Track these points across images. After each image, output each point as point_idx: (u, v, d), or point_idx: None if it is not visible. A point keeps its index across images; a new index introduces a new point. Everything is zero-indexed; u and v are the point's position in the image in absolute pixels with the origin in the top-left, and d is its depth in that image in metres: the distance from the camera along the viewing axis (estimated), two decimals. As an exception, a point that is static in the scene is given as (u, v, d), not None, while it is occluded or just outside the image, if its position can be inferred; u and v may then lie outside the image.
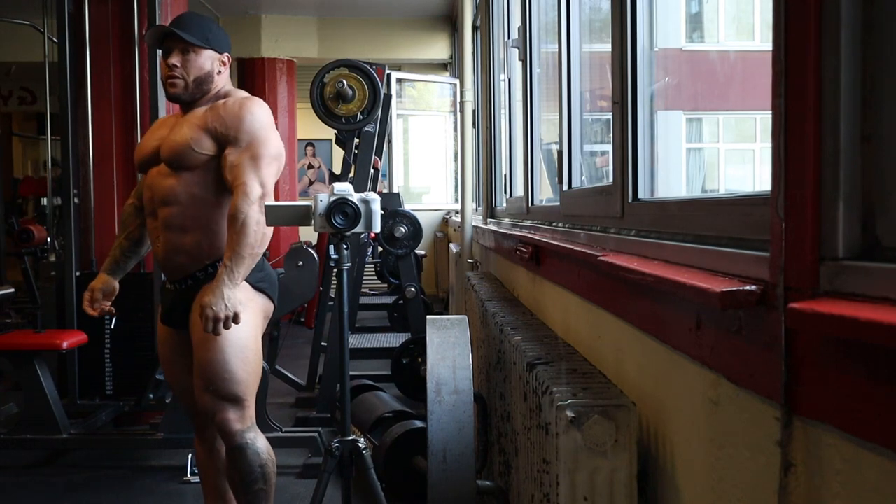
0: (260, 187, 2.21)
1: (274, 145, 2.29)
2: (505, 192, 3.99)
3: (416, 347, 4.52)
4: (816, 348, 0.79)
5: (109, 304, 2.53)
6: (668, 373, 1.26)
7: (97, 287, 2.50)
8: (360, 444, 2.25)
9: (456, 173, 7.42)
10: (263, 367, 2.60)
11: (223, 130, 2.24)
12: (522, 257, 2.49)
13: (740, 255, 0.98)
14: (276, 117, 9.41)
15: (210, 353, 2.22)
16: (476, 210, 5.07)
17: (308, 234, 7.96)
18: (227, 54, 2.38)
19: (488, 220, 4.18)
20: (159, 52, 2.37)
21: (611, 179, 1.69)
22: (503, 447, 2.27)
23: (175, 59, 2.28)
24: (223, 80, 2.38)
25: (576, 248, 1.76)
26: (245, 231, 2.15)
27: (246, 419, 2.28)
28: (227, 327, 2.15)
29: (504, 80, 4.06)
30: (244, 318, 2.19)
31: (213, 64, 2.33)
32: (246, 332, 2.26)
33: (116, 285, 2.54)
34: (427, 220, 7.48)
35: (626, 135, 1.59)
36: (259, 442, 2.30)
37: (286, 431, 3.59)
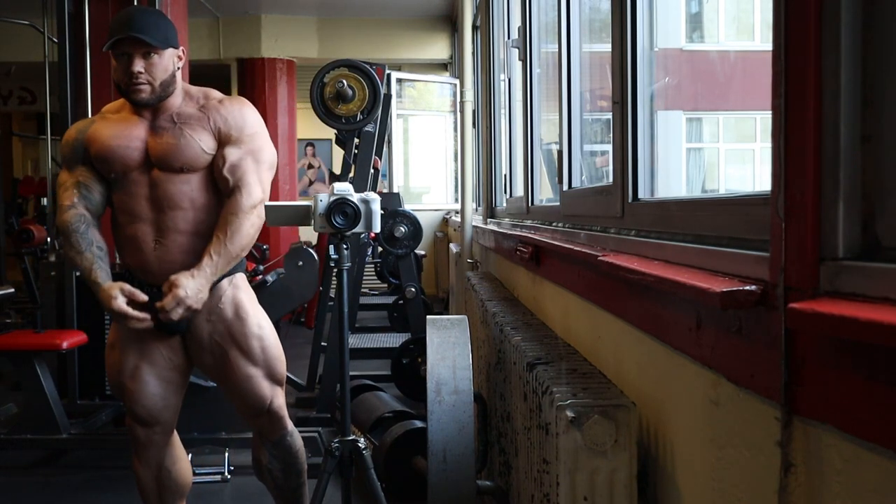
0: (262, 192, 2.19)
1: (271, 153, 2.27)
2: (505, 192, 3.99)
3: (416, 347, 4.52)
4: (816, 348, 0.79)
5: None
6: (668, 373, 1.26)
7: (125, 288, 2.14)
8: (360, 444, 2.25)
9: (456, 173, 7.42)
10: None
11: (226, 130, 2.19)
12: (522, 257, 2.49)
13: (740, 255, 0.98)
14: (275, 117, 9.38)
15: (265, 341, 2.29)
16: (476, 210, 5.07)
17: (308, 234, 7.96)
18: (181, 48, 2.24)
19: (488, 220, 4.18)
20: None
21: (611, 179, 1.69)
22: (503, 447, 2.27)
23: (139, 66, 2.11)
24: (179, 77, 2.24)
25: (576, 248, 1.76)
26: (241, 231, 2.13)
27: (285, 404, 2.42)
28: (178, 317, 2.08)
29: (504, 80, 4.05)
30: (259, 306, 2.32)
31: (174, 63, 2.20)
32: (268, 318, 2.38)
33: None
34: (427, 220, 7.47)
35: (626, 135, 1.59)
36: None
37: (286, 431, 3.58)
